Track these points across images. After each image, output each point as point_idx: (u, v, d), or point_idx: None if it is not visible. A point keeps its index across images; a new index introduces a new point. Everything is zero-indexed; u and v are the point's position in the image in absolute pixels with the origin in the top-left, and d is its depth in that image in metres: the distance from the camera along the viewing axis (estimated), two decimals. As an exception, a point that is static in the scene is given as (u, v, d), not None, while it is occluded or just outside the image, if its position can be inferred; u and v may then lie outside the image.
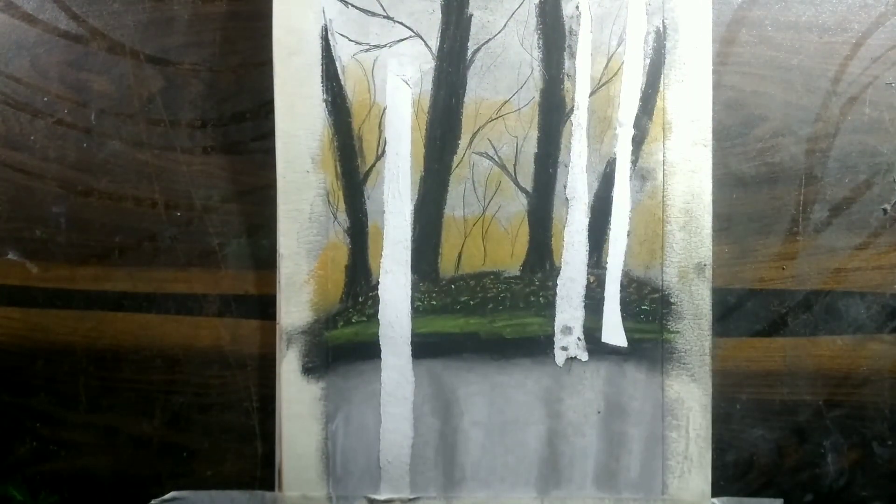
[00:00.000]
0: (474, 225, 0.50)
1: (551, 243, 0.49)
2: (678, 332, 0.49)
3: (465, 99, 0.49)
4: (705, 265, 0.49)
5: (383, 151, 0.49)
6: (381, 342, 0.49)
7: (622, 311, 0.49)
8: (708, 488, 0.49)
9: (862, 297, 0.51)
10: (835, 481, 0.51)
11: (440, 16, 0.49)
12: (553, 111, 0.49)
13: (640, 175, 0.49)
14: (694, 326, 0.49)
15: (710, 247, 0.49)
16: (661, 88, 0.49)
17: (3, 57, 0.50)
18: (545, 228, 0.49)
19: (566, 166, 0.49)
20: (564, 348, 0.50)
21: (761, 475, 0.50)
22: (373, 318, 0.49)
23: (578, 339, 0.50)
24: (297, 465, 0.49)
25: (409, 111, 0.49)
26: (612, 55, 0.49)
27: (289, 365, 0.49)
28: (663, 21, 0.49)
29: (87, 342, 0.51)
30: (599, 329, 0.50)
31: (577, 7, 0.48)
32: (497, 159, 0.49)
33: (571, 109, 0.49)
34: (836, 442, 0.51)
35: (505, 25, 0.49)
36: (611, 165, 0.49)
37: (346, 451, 0.49)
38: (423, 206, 0.49)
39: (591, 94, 0.49)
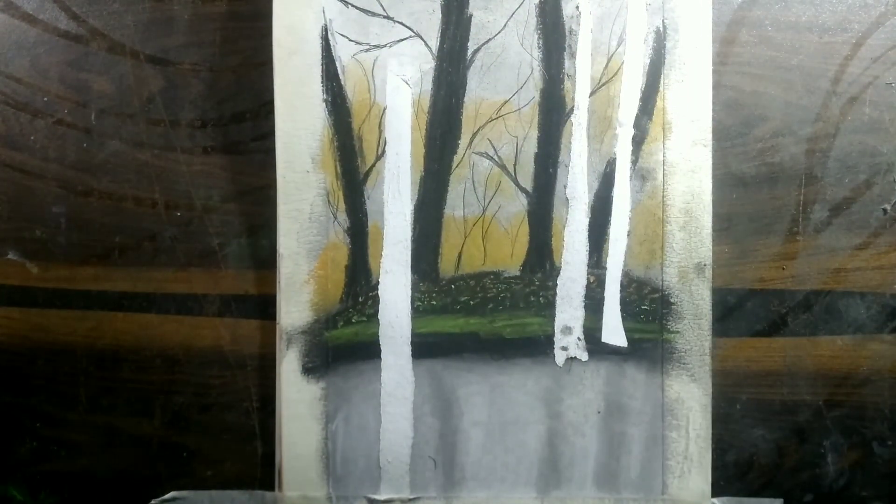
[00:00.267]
0: (474, 225, 0.50)
1: (551, 243, 0.49)
2: (678, 332, 0.49)
3: (465, 99, 0.49)
4: (705, 265, 0.49)
5: (383, 151, 0.49)
6: (381, 342, 0.49)
7: (622, 311, 0.49)
8: (708, 488, 0.49)
9: (862, 297, 0.51)
10: (835, 481, 0.51)
11: (440, 16, 0.49)
12: (553, 111, 0.49)
13: (640, 175, 0.49)
14: (694, 326, 0.49)
15: (710, 247, 0.49)
16: (661, 88, 0.49)
17: (3, 57, 0.50)
18: (545, 228, 0.49)
19: (566, 166, 0.49)
20: (564, 348, 0.50)
21: (761, 475, 0.50)
22: (373, 318, 0.49)
23: (578, 339, 0.50)
24: (297, 465, 0.49)
25: (409, 111, 0.49)
26: (612, 55, 0.49)
27: (289, 365, 0.49)
28: (663, 21, 0.49)
29: (87, 342, 0.51)
30: (599, 329, 0.50)
31: (577, 7, 0.48)
32: (497, 159, 0.49)
33: (571, 109, 0.49)
34: (836, 442, 0.51)
35: (505, 25, 0.49)
36: (611, 165, 0.49)
37: (346, 451, 0.49)
38: (423, 206, 0.49)
39: (591, 94, 0.49)
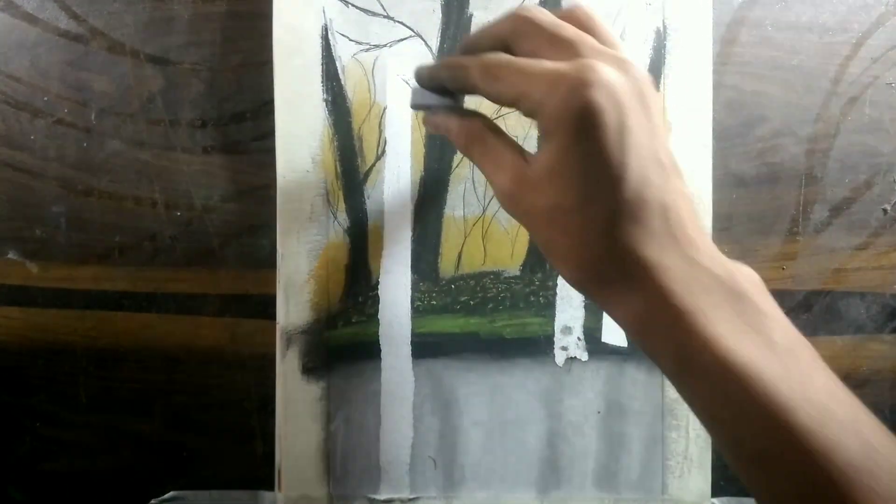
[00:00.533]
0: (474, 225, 0.50)
1: (551, 243, 0.49)
2: (678, 332, 0.49)
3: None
4: (705, 265, 0.49)
5: (383, 151, 0.49)
6: (381, 342, 0.49)
7: (622, 311, 0.49)
8: (708, 488, 0.49)
9: (862, 297, 0.51)
10: (835, 481, 0.51)
11: (440, 16, 0.49)
12: (553, 111, 0.49)
13: (641, 175, 0.49)
14: (694, 326, 0.49)
15: (711, 247, 0.49)
16: (661, 88, 0.49)
17: (3, 57, 0.50)
18: (545, 228, 0.49)
19: (566, 166, 0.49)
20: (564, 348, 0.50)
21: (761, 475, 0.50)
22: (373, 318, 0.49)
23: (578, 339, 0.50)
24: (297, 465, 0.49)
25: (409, 111, 0.49)
26: (612, 55, 0.49)
27: (289, 365, 0.49)
28: (663, 21, 0.49)
29: (87, 342, 0.51)
30: (599, 329, 0.50)
31: (577, 7, 0.48)
32: (497, 159, 0.49)
33: (571, 109, 0.49)
34: (836, 442, 0.51)
35: (505, 25, 0.48)
36: (611, 165, 0.49)
37: (346, 451, 0.49)
38: (423, 206, 0.49)
39: (592, 94, 0.49)
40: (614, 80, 0.31)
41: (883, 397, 0.51)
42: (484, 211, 0.49)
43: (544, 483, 0.50)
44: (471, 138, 0.37)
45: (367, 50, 0.49)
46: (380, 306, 0.49)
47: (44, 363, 0.51)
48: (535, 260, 0.50)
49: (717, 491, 0.49)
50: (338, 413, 0.49)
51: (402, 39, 0.49)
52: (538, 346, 0.50)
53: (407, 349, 0.49)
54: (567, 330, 0.50)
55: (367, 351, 0.49)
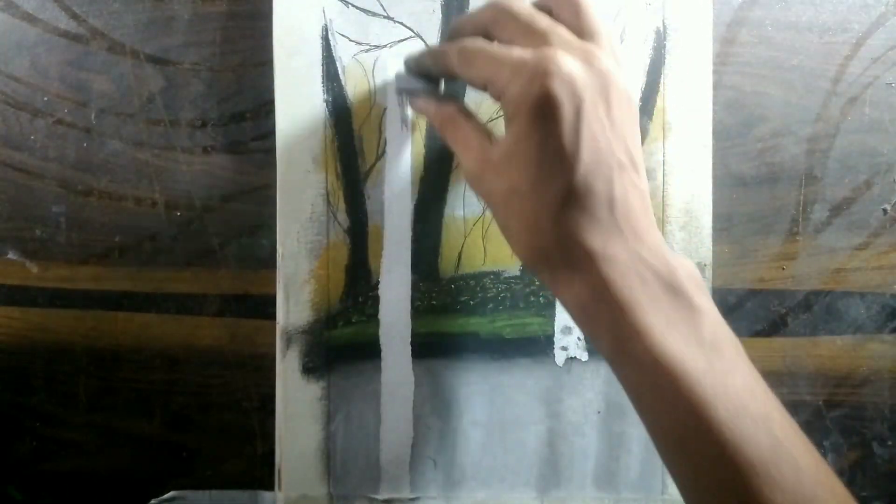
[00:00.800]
0: (474, 225, 0.50)
1: (551, 243, 0.49)
2: (678, 332, 0.49)
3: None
4: (705, 265, 0.49)
5: (383, 151, 0.49)
6: (382, 342, 0.49)
7: (622, 311, 0.49)
8: (708, 488, 0.49)
9: (862, 297, 0.51)
10: (835, 481, 0.51)
11: (440, 16, 0.49)
12: (553, 111, 0.49)
13: (640, 175, 0.49)
14: (694, 326, 0.49)
15: (710, 247, 0.49)
16: (661, 88, 0.49)
17: (3, 57, 0.50)
18: (545, 228, 0.49)
19: (566, 166, 0.49)
20: (564, 348, 0.50)
21: (761, 475, 0.50)
22: (373, 318, 0.49)
23: (578, 339, 0.50)
24: (296, 465, 0.49)
25: (409, 111, 0.49)
26: (612, 55, 0.49)
27: (289, 365, 0.49)
28: (663, 21, 0.49)
29: (87, 342, 0.51)
30: (599, 329, 0.50)
31: (577, 7, 0.48)
32: (497, 159, 0.49)
33: (571, 109, 0.49)
34: (836, 442, 0.51)
35: (505, 25, 0.48)
36: (611, 165, 0.49)
37: (346, 451, 0.49)
38: (423, 206, 0.49)
39: (592, 94, 0.49)
40: (574, 71, 0.32)
41: (883, 397, 0.51)
42: (484, 211, 0.49)
43: (544, 483, 0.50)
44: (445, 120, 0.40)
45: (368, 50, 0.49)
46: (380, 306, 0.49)
47: (44, 363, 0.51)
48: (535, 260, 0.50)
49: (717, 491, 0.49)
50: (338, 413, 0.49)
51: (402, 40, 0.49)
52: (538, 346, 0.50)
53: (407, 349, 0.49)
54: (567, 330, 0.50)
55: (367, 351, 0.49)
